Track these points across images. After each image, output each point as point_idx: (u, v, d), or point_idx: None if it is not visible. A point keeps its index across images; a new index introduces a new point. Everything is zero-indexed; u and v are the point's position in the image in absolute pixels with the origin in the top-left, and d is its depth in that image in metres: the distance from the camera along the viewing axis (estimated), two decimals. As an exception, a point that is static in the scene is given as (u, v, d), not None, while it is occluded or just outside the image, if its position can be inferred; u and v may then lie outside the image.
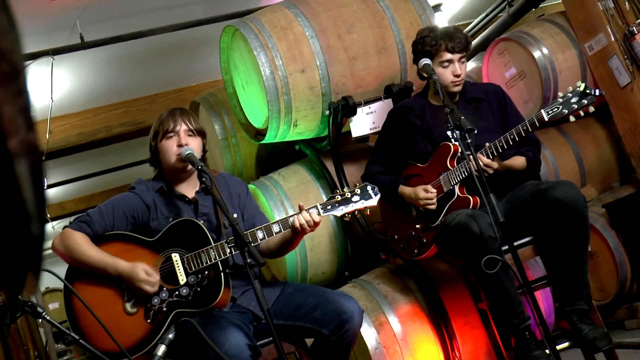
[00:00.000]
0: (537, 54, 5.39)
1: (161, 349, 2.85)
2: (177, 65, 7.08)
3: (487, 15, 7.12)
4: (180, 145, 3.37)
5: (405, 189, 3.97)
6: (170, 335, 2.96)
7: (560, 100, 3.47)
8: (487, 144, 3.62)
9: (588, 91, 3.42)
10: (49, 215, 9.09)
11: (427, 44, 3.85)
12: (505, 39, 5.71)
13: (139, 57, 6.59)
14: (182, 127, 3.41)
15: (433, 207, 3.83)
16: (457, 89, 3.89)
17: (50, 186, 8.45)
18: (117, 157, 8.84)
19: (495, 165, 3.60)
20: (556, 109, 3.46)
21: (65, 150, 7.40)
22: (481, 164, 3.49)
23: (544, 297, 4.32)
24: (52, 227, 10.06)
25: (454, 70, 3.85)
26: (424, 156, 3.96)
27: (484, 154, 3.60)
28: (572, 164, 5.75)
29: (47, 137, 6.71)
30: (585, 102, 3.43)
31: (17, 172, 0.72)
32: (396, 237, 4.15)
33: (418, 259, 4.06)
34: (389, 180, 4.03)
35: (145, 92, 7.51)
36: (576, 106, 3.44)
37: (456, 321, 4.12)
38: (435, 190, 3.82)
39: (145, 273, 3.21)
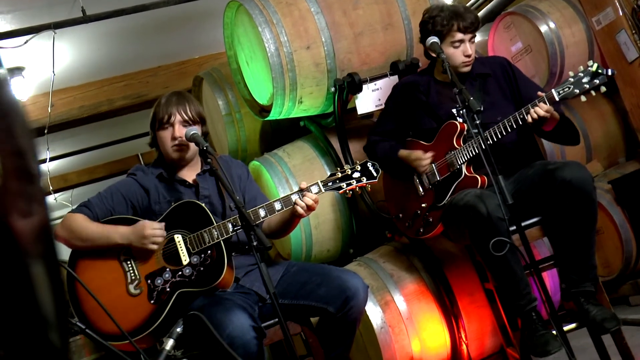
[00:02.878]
0: (543, 28, 5.33)
1: (169, 343, 2.84)
2: (179, 38, 7.02)
3: (492, -13, 7.02)
4: (174, 138, 3.37)
5: (403, 152, 3.96)
6: (179, 329, 2.96)
7: (572, 79, 3.41)
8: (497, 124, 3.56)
9: (600, 71, 3.36)
10: (51, 188, 9.05)
11: (438, 23, 3.77)
12: (511, 12, 5.65)
13: (142, 29, 6.53)
14: (177, 118, 3.38)
15: (423, 164, 3.83)
16: (467, 69, 3.84)
17: (52, 159, 8.41)
18: (120, 129, 8.80)
19: (551, 110, 3.49)
20: (567, 89, 3.40)
21: (68, 124, 7.37)
22: (542, 112, 3.42)
23: (549, 276, 4.31)
24: (55, 199, 10.04)
25: (464, 50, 3.78)
26: (429, 133, 3.91)
27: (492, 133, 3.55)
28: (578, 139, 5.70)
29: (50, 110, 6.68)
30: (597, 82, 3.37)
31: (31, 272, 0.64)
32: (401, 215, 4.12)
33: (423, 238, 4.04)
34: (389, 145, 4.02)
35: (147, 64, 7.46)
36: (588, 86, 3.38)
37: (462, 300, 4.11)
38: (430, 153, 3.81)
39: (150, 224, 3.22)
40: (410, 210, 4.03)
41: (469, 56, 3.79)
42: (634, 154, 5.83)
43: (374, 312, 4.07)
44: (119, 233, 3.24)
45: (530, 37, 5.45)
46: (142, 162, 10.33)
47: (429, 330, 4.13)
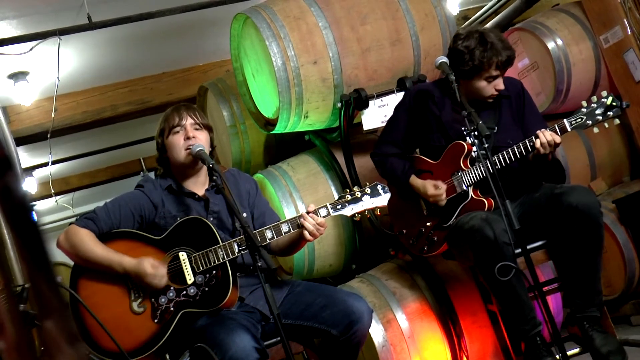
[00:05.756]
0: (551, 45, 5.31)
1: (176, 374, 2.82)
2: (184, 45, 7.01)
3: (499, 0, 7.01)
4: (187, 138, 3.32)
5: (416, 181, 3.88)
6: None
7: (585, 110, 3.38)
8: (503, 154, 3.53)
9: (615, 103, 3.33)
10: (52, 190, 9.06)
11: (477, 58, 3.62)
12: (519, 28, 5.62)
13: (146, 36, 6.52)
14: (189, 121, 3.36)
15: (442, 203, 3.76)
16: (491, 100, 3.77)
17: (55, 162, 8.40)
18: (122, 134, 8.78)
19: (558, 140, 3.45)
20: (580, 120, 3.38)
21: (71, 128, 7.35)
22: (544, 142, 3.39)
23: (552, 297, 4.29)
24: (56, 202, 10.04)
25: (496, 85, 3.69)
26: (436, 149, 3.85)
27: (500, 158, 3.52)
28: (583, 156, 5.68)
29: (53, 115, 6.68)
30: (611, 114, 3.35)
31: None
32: (405, 231, 4.09)
33: (427, 256, 4.02)
34: (401, 168, 3.93)
35: (152, 70, 7.44)
36: (601, 118, 3.35)
37: (464, 320, 4.09)
38: (445, 186, 3.76)
39: (152, 267, 3.17)
40: (414, 227, 4.00)
41: (499, 90, 3.71)
42: (638, 173, 5.81)
43: (376, 330, 4.04)
44: (122, 266, 3.18)
45: (537, 53, 5.44)
46: (144, 166, 10.34)
47: (431, 350, 4.11)
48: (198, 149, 3.25)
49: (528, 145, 3.47)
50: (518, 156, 3.50)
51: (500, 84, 3.71)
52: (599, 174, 5.75)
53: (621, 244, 5.12)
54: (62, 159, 8.94)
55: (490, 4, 7.18)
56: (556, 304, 4.34)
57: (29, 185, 8.77)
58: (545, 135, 3.41)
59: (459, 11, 7.70)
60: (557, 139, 3.41)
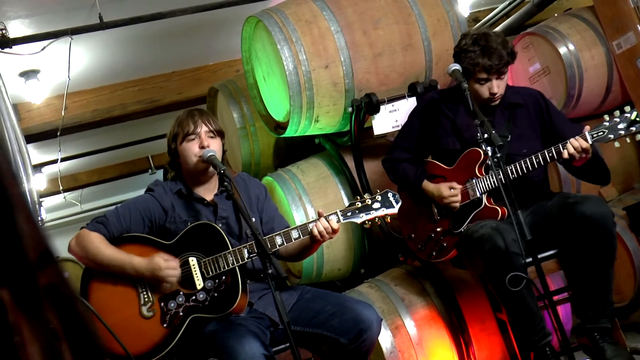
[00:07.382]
0: (563, 50, 5.28)
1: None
2: (194, 44, 7.01)
3: (510, 3, 6.99)
4: (202, 147, 3.32)
5: (429, 185, 3.86)
6: None
7: (607, 124, 3.35)
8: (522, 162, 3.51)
9: (639, 119, 3.30)
10: (61, 187, 9.08)
11: (466, 59, 3.66)
12: (530, 33, 5.59)
13: (157, 35, 6.52)
14: (203, 129, 3.35)
15: (457, 206, 3.75)
16: (495, 103, 3.74)
17: (64, 159, 8.43)
18: (131, 132, 8.80)
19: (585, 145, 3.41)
20: (601, 133, 3.35)
21: (80, 126, 7.37)
22: (574, 148, 3.36)
23: (561, 305, 4.27)
24: (64, 198, 10.05)
25: (490, 87, 3.67)
26: (451, 154, 3.84)
27: (517, 167, 3.50)
28: (593, 162, 5.65)
29: (63, 113, 6.69)
30: (634, 129, 3.32)
31: None
32: (413, 235, 4.07)
33: (435, 262, 4.01)
34: (414, 173, 3.92)
35: (161, 70, 7.45)
36: (623, 132, 3.33)
37: (473, 327, 4.07)
38: (460, 187, 3.74)
39: (165, 260, 3.18)
40: (423, 232, 3.99)
41: (494, 94, 3.69)
42: (649, 180, 5.78)
43: (384, 336, 4.03)
44: (133, 266, 3.20)
45: (549, 58, 5.40)
46: (152, 164, 10.36)
47: (439, 357, 4.09)
48: (209, 154, 3.26)
49: (547, 157, 3.45)
50: (536, 166, 3.48)
51: (493, 87, 3.67)
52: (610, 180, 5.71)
53: (631, 252, 5.08)
54: (71, 156, 8.99)
55: (501, 6, 7.15)
56: (565, 312, 4.32)
57: (38, 181, 8.80)
58: (573, 144, 3.38)
59: (470, 13, 7.67)
60: (585, 144, 3.38)
